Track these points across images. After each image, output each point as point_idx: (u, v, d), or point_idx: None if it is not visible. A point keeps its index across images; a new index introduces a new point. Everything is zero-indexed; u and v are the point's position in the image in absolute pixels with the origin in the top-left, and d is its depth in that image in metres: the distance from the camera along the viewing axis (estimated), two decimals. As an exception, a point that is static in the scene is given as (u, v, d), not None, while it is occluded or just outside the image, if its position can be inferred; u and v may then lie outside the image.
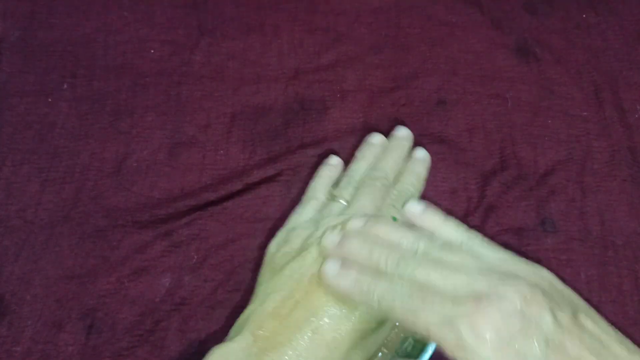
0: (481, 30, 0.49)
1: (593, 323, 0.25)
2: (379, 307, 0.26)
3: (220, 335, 0.37)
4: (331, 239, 0.30)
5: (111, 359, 0.36)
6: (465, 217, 0.41)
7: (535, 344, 0.23)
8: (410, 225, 0.30)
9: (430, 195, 0.42)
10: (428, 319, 0.24)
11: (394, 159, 0.36)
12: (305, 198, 0.37)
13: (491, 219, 0.41)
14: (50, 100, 0.45)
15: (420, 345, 0.33)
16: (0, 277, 0.38)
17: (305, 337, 0.27)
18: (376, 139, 0.38)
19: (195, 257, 0.39)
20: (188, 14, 0.49)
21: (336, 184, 0.37)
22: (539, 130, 0.44)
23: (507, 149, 0.43)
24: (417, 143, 0.44)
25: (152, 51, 0.47)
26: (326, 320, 0.28)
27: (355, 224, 0.30)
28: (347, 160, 0.43)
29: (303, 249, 0.31)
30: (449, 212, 0.41)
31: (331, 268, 0.28)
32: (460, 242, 0.29)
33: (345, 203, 0.35)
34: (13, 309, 0.37)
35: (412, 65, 0.47)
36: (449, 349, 0.23)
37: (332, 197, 0.36)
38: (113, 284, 0.38)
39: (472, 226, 0.40)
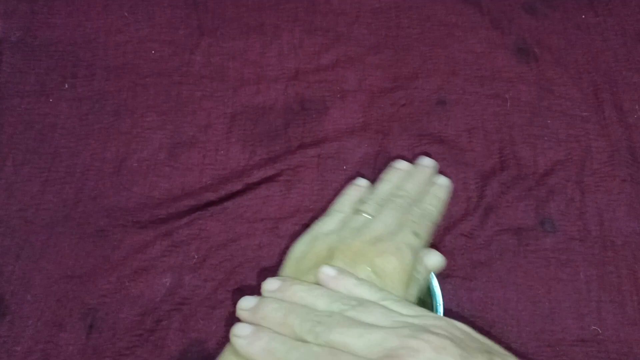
0: (481, 31, 0.49)
1: None
2: None
3: (220, 335, 0.37)
4: (244, 304, 0.30)
5: (111, 358, 0.36)
6: (464, 217, 0.41)
7: None
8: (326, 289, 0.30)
9: (430, 195, 0.42)
10: None
11: (417, 182, 0.37)
12: (330, 210, 0.38)
13: (490, 219, 0.41)
14: (50, 100, 0.45)
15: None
16: (0, 277, 0.38)
17: None
18: (402, 165, 0.40)
19: (195, 257, 0.39)
20: (188, 14, 0.49)
21: (361, 201, 0.38)
22: (538, 131, 0.44)
23: (507, 149, 0.44)
24: (416, 143, 0.44)
25: (153, 51, 0.47)
26: None
27: (270, 286, 0.31)
28: (347, 160, 0.43)
29: (328, 257, 0.32)
30: (449, 212, 0.41)
31: (242, 332, 0.28)
32: (375, 300, 0.29)
33: (369, 217, 0.35)
34: (13, 309, 0.37)
35: (412, 66, 0.47)
36: None
37: (356, 212, 0.36)
38: (113, 284, 0.38)
39: (471, 226, 0.41)
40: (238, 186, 0.42)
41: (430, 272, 0.35)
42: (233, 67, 0.47)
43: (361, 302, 0.28)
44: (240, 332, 0.28)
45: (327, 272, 0.30)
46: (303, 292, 0.29)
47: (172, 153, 0.43)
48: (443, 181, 0.39)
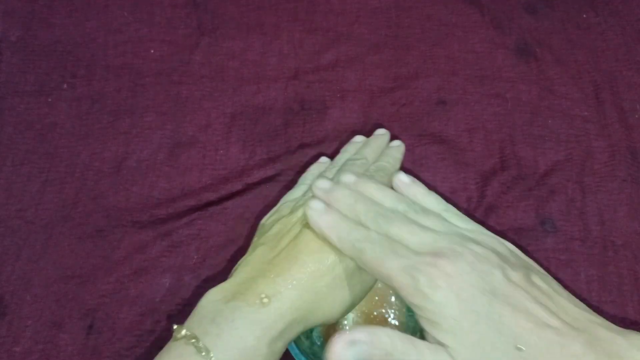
0: (481, 31, 0.49)
1: (544, 282, 0.27)
2: (351, 250, 0.29)
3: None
4: (322, 184, 0.32)
5: (111, 359, 0.36)
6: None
7: (482, 295, 0.25)
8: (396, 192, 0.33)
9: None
10: (390, 266, 0.27)
11: (373, 148, 0.40)
12: (295, 185, 0.40)
13: (491, 219, 0.41)
14: (50, 100, 0.45)
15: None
16: (0, 277, 0.38)
17: (291, 269, 0.29)
18: (359, 138, 0.42)
19: (195, 257, 0.39)
20: (188, 14, 0.49)
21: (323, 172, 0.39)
22: (538, 131, 0.44)
23: (507, 149, 0.43)
24: (417, 143, 0.44)
25: (152, 51, 0.47)
26: (313, 256, 0.30)
27: (347, 178, 0.33)
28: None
29: (291, 212, 0.34)
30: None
31: (316, 206, 0.31)
32: (437, 211, 0.32)
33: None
34: (13, 309, 0.37)
35: (412, 65, 0.47)
36: (406, 294, 0.26)
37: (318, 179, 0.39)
38: (113, 284, 0.38)
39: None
40: (238, 186, 0.42)
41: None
42: (233, 67, 0.47)
43: (424, 209, 0.31)
44: (314, 206, 0.31)
45: (401, 179, 0.33)
46: (375, 189, 0.32)
47: (172, 153, 0.43)
48: (397, 143, 0.41)
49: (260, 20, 0.49)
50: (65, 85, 0.45)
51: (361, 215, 0.30)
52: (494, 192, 0.42)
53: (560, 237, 0.40)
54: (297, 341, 0.33)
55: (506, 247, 0.30)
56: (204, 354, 0.27)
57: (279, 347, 0.29)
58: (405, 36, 0.49)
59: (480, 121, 0.45)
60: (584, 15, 0.49)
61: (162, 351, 0.28)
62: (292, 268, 0.30)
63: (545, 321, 0.25)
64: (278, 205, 0.37)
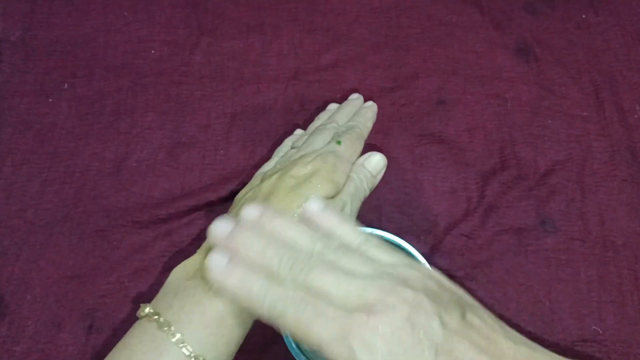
0: (481, 31, 0.49)
1: (480, 320, 0.25)
2: (269, 314, 0.25)
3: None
4: (219, 227, 0.28)
5: (111, 358, 0.36)
6: (465, 218, 0.41)
7: (427, 352, 0.23)
8: (309, 224, 0.29)
9: (430, 195, 0.42)
10: (321, 334, 0.24)
11: (345, 112, 0.40)
12: (270, 159, 0.40)
13: (491, 219, 0.41)
14: (50, 100, 0.45)
15: None
16: (0, 277, 0.38)
17: None
18: (332, 106, 0.42)
19: (195, 257, 0.39)
20: (188, 13, 0.49)
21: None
22: (538, 130, 0.44)
23: (507, 149, 0.43)
24: (417, 143, 0.44)
25: (152, 51, 0.47)
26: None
27: (250, 212, 0.28)
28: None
29: (261, 181, 0.34)
30: (449, 212, 0.41)
31: (217, 261, 0.26)
32: (357, 245, 0.28)
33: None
34: (13, 309, 0.37)
35: (412, 65, 0.47)
36: None
37: (291, 148, 0.39)
38: (113, 284, 0.38)
39: (472, 226, 0.40)
40: (238, 186, 0.42)
41: (374, 176, 0.37)
42: (233, 66, 0.47)
43: (342, 245, 0.27)
44: (214, 261, 0.26)
45: (312, 208, 0.29)
46: (285, 226, 0.28)
47: (172, 153, 0.43)
48: (369, 103, 0.41)
49: (260, 20, 0.49)
50: (65, 85, 0.45)
51: (273, 265, 0.26)
52: (494, 192, 0.42)
53: (561, 237, 0.40)
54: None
55: (433, 279, 0.27)
56: (165, 328, 0.27)
57: (246, 318, 0.29)
58: (405, 36, 0.49)
59: (480, 121, 0.45)
60: (584, 16, 0.49)
61: (128, 332, 0.29)
62: None
63: None
64: (252, 179, 0.38)
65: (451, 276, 0.39)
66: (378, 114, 0.45)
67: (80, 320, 0.37)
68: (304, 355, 0.32)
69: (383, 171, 0.38)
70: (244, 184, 0.41)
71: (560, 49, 0.48)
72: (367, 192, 0.36)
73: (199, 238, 0.40)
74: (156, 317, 0.27)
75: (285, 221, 0.28)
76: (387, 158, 0.43)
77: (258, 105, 0.45)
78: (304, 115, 0.45)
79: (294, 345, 0.32)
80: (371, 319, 0.23)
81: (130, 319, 0.37)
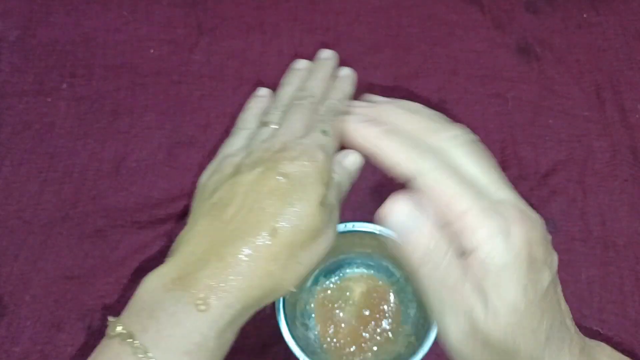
0: (482, 30, 0.48)
1: None
2: (407, 169, 0.25)
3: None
4: (360, 108, 0.30)
5: (110, 359, 0.36)
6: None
7: (546, 274, 0.25)
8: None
9: (430, 195, 0.42)
10: (467, 204, 0.24)
11: (320, 78, 0.36)
12: (234, 129, 0.36)
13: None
14: (49, 99, 0.45)
15: (420, 340, 0.33)
16: (-1, 278, 0.38)
17: (238, 253, 0.26)
18: (301, 63, 0.38)
19: (195, 257, 0.39)
20: (188, 13, 0.49)
21: (265, 112, 0.36)
22: (539, 130, 0.44)
23: (508, 149, 0.43)
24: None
25: (152, 50, 0.47)
26: (263, 235, 0.27)
27: (380, 98, 0.30)
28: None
29: (236, 173, 0.30)
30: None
31: (357, 118, 0.28)
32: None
33: (276, 127, 0.33)
34: (12, 309, 0.37)
35: (412, 65, 0.47)
36: (478, 237, 0.23)
37: (262, 124, 0.34)
38: (112, 285, 0.38)
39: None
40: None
41: (350, 174, 0.33)
42: (232, 66, 0.47)
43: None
44: (356, 119, 0.29)
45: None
46: (422, 106, 0.29)
47: (171, 153, 0.43)
48: (346, 72, 0.37)
49: (260, 19, 0.49)
50: (64, 85, 0.45)
51: (417, 130, 0.27)
52: (494, 192, 0.42)
53: (562, 237, 0.40)
54: (293, 331, 0.32)
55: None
56: (141, 355, 0.24)
57: (228, 337, 0.27)
58: (405, 36, 0.48)
59: (481, 121, 0.45)
60: (585, 15, 0.49)
61: (95, 350, 0.26)
62: (238, 251, 0.26)
63: None
64: (217, 159, 0.33)
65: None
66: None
67: (79, 320, 0.37)
68: (305, 353, 0.32)
69: (359, 171, 0.34)
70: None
71: (561, 48, 0.48)
72: (345, 194, 0.34)
73: (199, 238, 0.40)
74: (130, 340, 0.25)
75: (420, 105, 0.29)
76: (388, 158, 0.43)
77: (258, 105, 0.45)
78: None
79: (293, 342, 0.32)
80: (523, 217, 0.24)
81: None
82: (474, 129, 0.44)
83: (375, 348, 0.36)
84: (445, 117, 0.28)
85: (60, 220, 0.40)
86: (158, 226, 0.40)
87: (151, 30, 0.48)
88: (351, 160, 0.33)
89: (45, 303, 0.37)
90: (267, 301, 0.28)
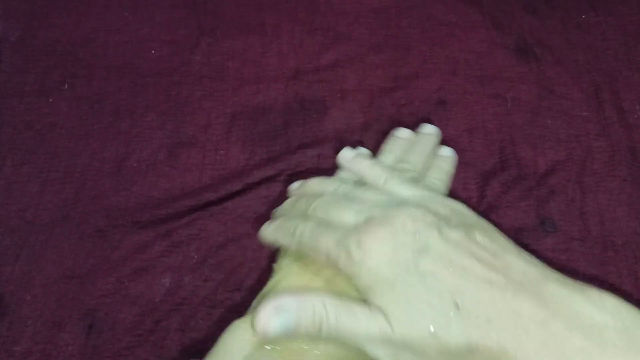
0: (481, 30, 0.49)
1: (488, 239, 0.26)
2: (293, 243, 0.28)
3: (220, 335, 0.37)
4: (278, 212, 0.34)
5: (111, 359, 0.36)
6: (465, 217, 0.41)
7: (415, 254, 0.24)
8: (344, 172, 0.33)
9: (430, 195, 0.42)
10: (326, 243, 0.26)
11: (421, 153, 0.36)
12: (332, 179, 0.37)
13: (491, 219, 0.41)
14: (50, 100, 0.45)
15: None
16: (0, 277, 0.38)
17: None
18: (403, 133, 0.39)
19: (195, 257, 0.39)
20: (188, 14, 0.49)
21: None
22: (539, 131, 0.44)
23: (507, 149, 0.43)
24: (417, 143, 0.44)
25: (152, 51, 0.47)
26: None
27: (294, 185, 0.34)
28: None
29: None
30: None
31: (265, 225, 0.33)
32: (381, 182, 0.30)
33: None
34: (13, 309, 0.37)
35: (412, 65, 0.47)
36: (342, 266, 0.25)
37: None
38: (113, 284, 0.38)
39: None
40: (238, 186, 0.42)
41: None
42: (233, 66, 0.47)
43: (364, 184, 0.30)
44: (265, 226, 0.32)
45: (344, 156, 0.34)
46: (317, 183, 0.32)
47: (172, 153, 0.43)
48: (447, 152, 0.38)
49: (260, 20, 0.49)
50: (65, 85, 0.45)
51: (301, 210, 0.30)
52: (494, 192, 0.42)
53: (560, 237, 0.40)
54: None
55: (448, 206, 0.28)
56: None
57: None
58: (405, 36, 0.49)
59: (480, 121, 0.45)
60: (584, 15, 0.49)
61: None
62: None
63: (485, 276, 0.23)
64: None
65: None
66: (378, 114, 0.45)
67: (80, 320, 0.37)
68: None
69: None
70: (244, 184, 0.42)
71: (560, 48, 0.48)
72: None
73: (199, 238, 0.40)
74: None
75: (319, 179, 0.33)
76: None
77: (258, 105, 0.45)
78: (303, 115, 0.45)
79: None
80: (370, 227, 0.25)
81: (130, 319, 0.37)
82: (473, 129, 0.44)
83: None
84: (328, 179, 0.33)
85: (61, 220, 0.40)
86: (159, 226, 0.40)
87: (152, 31, 0.48)
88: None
89: (47, 303, 0.37)
90: None
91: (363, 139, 0.44)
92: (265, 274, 0.38)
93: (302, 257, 0.30)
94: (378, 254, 0.24)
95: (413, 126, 0.45)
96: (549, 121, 0.45)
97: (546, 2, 0.50)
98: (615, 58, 0.47)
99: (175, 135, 0.44)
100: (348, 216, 0.27)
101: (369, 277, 0.24)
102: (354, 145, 0.43)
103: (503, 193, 0.42)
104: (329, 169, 0.43)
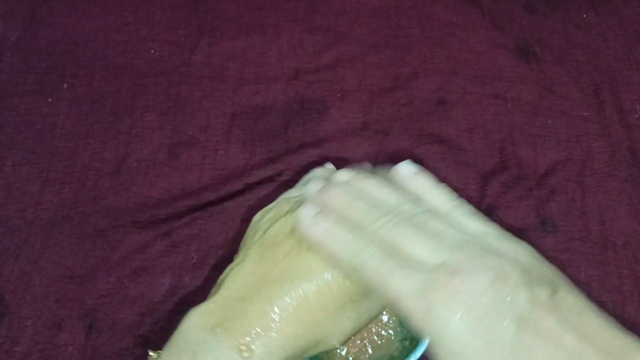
0: (481, 30, 0.49)
1: (573, 299, 0.24)
2: (349, 263, 0.25)
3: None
4: (313, 186, 0.29)
5: (111, 359, 0.36)
6: (465, 217, 0.41)
7: (507, 322, 0.22)
8: (399, 186, 0.28)
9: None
10: (400, 286, 0.23)
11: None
12: (296, 185, 0.35)
13: (491, 219, 0.41)
14: (50, 100, 0.45)
15: (414, 343, 0.33)
16: (0, 277, 0.38)
17: (286, 297, 0.26)
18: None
19: (195, 257, 0.39)
20: (188, 13, 0.49)
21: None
22: (539, 130, 0.44)
23: (507, 149, 0.43)
24: (417, 143, 0.44)
25: (152, 51, 0.47)
26: (313, 282, 0.26)
27: (342, 176, 0.29)
28: (347, 159, 0.43)
29: (290, 212, 0.29)
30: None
31: (306, 212, 0.27)
32: (446, 210, 0.27)
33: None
34: (13, 309, 0.37)
35: (412, 65, 0.47)
36: (417, 320, 0.23)
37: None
38: (113, 284, 0.38)
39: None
40: (238, 186, 0.42)
41: None
42: (233, 67, 0.47)
43: (432, 209, 0.27)
44: (305, 212, 0.27)
45: (403, 170, 0.29)
46: (375, 185, 0.27)
47: (172, 153, 0.43)
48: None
49: (260, 20, 0.49)
50: (65, 85, 0.45)
51: (360, 218, 0.26)
52: (494, 192, 0.42)
53: (561, 237, 0.40)
54: None
55: (529, 253, 0.25)
56: None
57: None
58: (405, 36, 0.48)
59: (481, 121, 0.45)
60: (584, 15, 0.49)
61: None
62: (286, 294, 0.25)
63: (577, 348, 0.22)
64: (275, 202, 0.33)
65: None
66: (378, 114, 0.45)
67: (80, 320, 0.37)
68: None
69: None
70: (244, 184, 0.42)
71: (560, 48, 0.48)
72: None
73: (199, 238, 0.40)
74: None
75: (375, 181, 0.28)
76: (388, 158, 0.43)
77: (258, 105, 0.45)
78: (303, 115, 0.45)
79: None
80: (454, 279, 0.23)
81: (130, 319, 0.37)
82: (473, 129, 0.44)
83: (370, 351, 0.36)
84: (388, 185, 0.28)
85: (61, 220, 0.40)
86: (159, 226, 0.40)
87: (152, 31, 0.48)
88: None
89: (46, 302, 0.37)
90: (308, 354, 0.26)
91: (363, 139, 0.44)
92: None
93: (265, 250, 0.28)
94: (464, 317, 0.22)
95: (413, 126, 0.45)
96: (549, 121, 0.45)
97: (546, 2, 0.50)
98: (615, 58, 0.47)
99: (175, 135, 0.44)
100: (421, 251, 0.24)
101: (451, 341, 0.22)
102: (354, 145, 0.43)
103: (503, 193, 0.42)
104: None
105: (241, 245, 0.31)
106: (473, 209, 0.28)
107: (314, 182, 0.29)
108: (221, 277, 0.28)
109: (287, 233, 0.28)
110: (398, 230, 0.25)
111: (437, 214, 0.27)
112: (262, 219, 0.31)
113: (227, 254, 0.39)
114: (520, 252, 0.25)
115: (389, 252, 0.24)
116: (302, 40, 0.48)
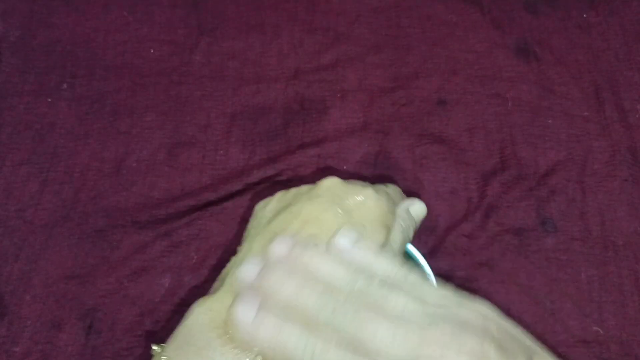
0: (481, 30, 0.49)
1: None
2: None
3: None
4: (247, 269, 0.25)
5: (111, 359, 0.36)
6: (465, 218, 0.41)
7: None
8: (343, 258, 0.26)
9: (430, 195, 0.42)
10: None
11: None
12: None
13: (491, 219, 0.41)
14: (49, 100, 0.45)
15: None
16: (0, 277, 0.38)
17: None
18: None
19: (195, 257, 0.39)
20: (188, 13, 0.49)
21: None
22: (539, 130, 0.44)
23: (507, 149, 0.43)
24: (417, 143, 0.44)
25: (152, 51, 0.47)
26: None
27: (279, 249, 0.25)
28: (347, 159, 0.43)
29: (292, 203, 0.28)
30: (450, 212, 0.41)
31: (245, 311, 0.23)
32: (400, 278, 0.25)
33: None
34: (12, 309, 0.37)
35: (412, 65, 0.47)
36: None
37: None
38: (113, 284, 0.38)
39: (472, 227, 0.40)
40: (238, 186, 0.41)
41: (415, 221, 0.33)
42: (233, 66, 0.47)
43: (385, 281, 0.24)
44: (243, 313, 0.23)
45: (343, 242, 0.26)
46: (320, 259, 0.25)
47: (172, 153, 0.43)
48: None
49: (260, 20, 0.49)
50: (64, 85, 0.45)
51: (311, 308, 0.22)
52: (494, 192, 0.42)
53: (561, 237, 0.40)
54: None
55: (491, 313, 0.24)
56: None
57: None
58: (405, 36, 0.48)
59: (481, 121, 0.45)
60: (585, 15, 0.49)
61: None
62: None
63: None
64: (277, 194, 0.32)
65: (452, 277, 0.39)
66: (378, 114, 0.45)
67: (80, 320, 0.37)
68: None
69: (423, 220, 0.33)
70: (244, 184, 0.42)
71: (560, 48, 0.48)
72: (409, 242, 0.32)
73: (199, 238, 0.40)
74: None
75: (318, 254, 0.25)
76: (387, 158, 0.43)
77: (258, 105, 0.45)
78: (303, 115, 0.45)
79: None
80: None
81: (130, 319, 0.37)
82: (473, 129, 0.44)
83: None
84: (334, 259, 0.25)
85: (60, 220, 0.40)
86: (158, 226, 0.40)
87: (151, 31, 0.48)
88: (417, 209, 0.33)
89: (46, 303, 0.37)
90: None
91: (363, 139, 0.44)
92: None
93: (269, 242, 0.26)
94: None
95: (413, 126, 0.45)
96: (549, 121, 0.45)
97: (546, 2, 0.50)
98: (615, 58, 0.47)
99: (175, 135, 0.44)
100: (384, 337, 0.22)
101: None
102: (354, 144, 0.43)
103: (504, 193, 0.42)
104: (329, 169, 0.43)
105: (244, 235, 0.31)
106: (419, 275, 0.26)
107: (247, 265, 0.25)
108: (224, 270, 0.28)
109: (290, 222, 0.27)
110: (356, 316, 0.22)
111: (392, 284, 0.24)
112: (264, 207, 0.31)
113: (227, 254, 0.39)
114: (486, 315, 0.24)
115: (352, 347, 0.21)
116: (302, 40, 0.48)
